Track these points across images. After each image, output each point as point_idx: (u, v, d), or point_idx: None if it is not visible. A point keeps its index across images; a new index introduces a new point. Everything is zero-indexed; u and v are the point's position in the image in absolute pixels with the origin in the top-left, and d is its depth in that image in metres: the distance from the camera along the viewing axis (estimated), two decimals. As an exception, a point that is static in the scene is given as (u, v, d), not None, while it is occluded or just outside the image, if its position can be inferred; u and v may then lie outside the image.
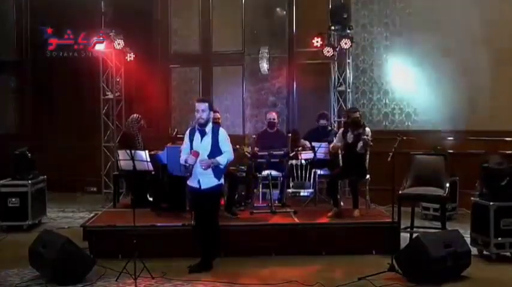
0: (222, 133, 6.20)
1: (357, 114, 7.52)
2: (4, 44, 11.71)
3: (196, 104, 6.15)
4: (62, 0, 10.74)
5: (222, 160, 6.08)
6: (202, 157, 6.01)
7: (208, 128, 6.13)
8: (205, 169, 5.99)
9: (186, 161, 6.06)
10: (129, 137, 8.23)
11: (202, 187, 6.09)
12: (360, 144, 7.12)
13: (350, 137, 7.35)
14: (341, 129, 7.75)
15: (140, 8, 10.84)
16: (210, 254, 6.18)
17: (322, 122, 8.62)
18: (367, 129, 7.33)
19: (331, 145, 7.76)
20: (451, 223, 7.97)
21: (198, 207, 6.28)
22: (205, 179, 6.08)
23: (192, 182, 6.16)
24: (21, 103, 11.79)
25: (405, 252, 5.94)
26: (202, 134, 6.11)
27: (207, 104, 6.13)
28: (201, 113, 6.06)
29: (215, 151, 6.07)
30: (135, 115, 8.42)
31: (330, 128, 8.75)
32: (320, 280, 5.70)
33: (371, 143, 7.16)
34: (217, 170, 6.10)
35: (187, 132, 6.27)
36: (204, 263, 6.10)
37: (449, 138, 9.06)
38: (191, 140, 6.14)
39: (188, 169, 6.06)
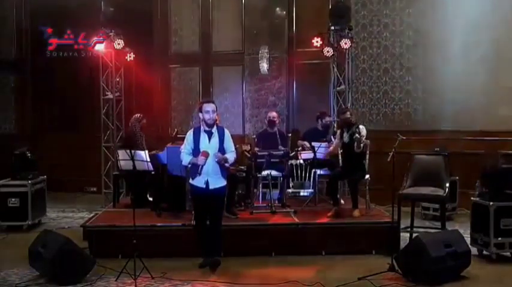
0: (227, 133, 6.27)
1: (347, 115, 7.52)
2: (4, 44, 11.72)
3: (205, 105, 6.14)
4: (62, 0, 10.75)
5: (230, 158, 6.18)
6: (209, 156, 6.02)
7: (214, 129, 6.17)
8: (217, 162, 6.04)
9: (191, 163, 6.08)
10: (130, 137, 8.22)
11: (210, 187, 6.10)
12: (355, 143, 7.12)
13: (346, 137, 7.37)
14: (339, 130, 7.76)
15: (140, 8, 10.86)
16: (215, 252, 6.22)
17: (328, 119, 8.65)
18: (361, 127, 7.31)
19: (329, 150, 7.78)
20: (451, 223, 7.98)
21: (203, 207, 6.27)
22: (213, 179, 6.10)
23: (198, 183, 6.14)
24: (21, 103, 11.79)
25: (405, 252, 5.94)
26: (210, 134, 6.13)
27: (214, 105, 6.18)
28: (211, 114, 6.08)
29: (221, 150, 6.13)
30: (136, 115, 8.39)
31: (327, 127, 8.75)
32: (320, 280, 5.70)
33: (363, 141, 7.12)
34: (223, 170, 6.17)
35: (191, 133, 6.24)
36: (216, 260, 6.17)
37: (449, 138, 9.05)
38: (197, 141, 6.12)
39: (196, 171, 6.04)
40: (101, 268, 6.03)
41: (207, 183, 6.09)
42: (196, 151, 6.11)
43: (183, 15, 11.02)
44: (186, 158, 6.18)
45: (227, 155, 6.14)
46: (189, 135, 6.24)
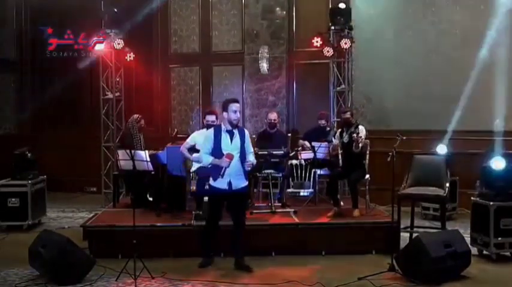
0: (248, 134, 6.24)
1: (348, 114, 7.55)
2: (4, 44, 11.72)
3: (232, 104, 6.02)
4: (62, 0, 10.75)
5: (254, 160, 6.21)
6: (234, 157, 5.99)
7: (235, 129, 6.11)
8: (249, 169, 6.09)
9: (212, 164, 6.03)
10: (127, 137, 8.23)
11: (233, 188, 6.07)
12: (354, 143, 7.12)
13: (345, 137, 7.38)
14: (339, 130, 7.77)
15: (140, 8, 10.85)
16: (242, 253, 6.21)
17: (320, 122, 8.66)
18: (361, 127, 7.32)
19: (331, 146, 7.78)
20: (451, 223, 7.99)
21: (220, 208, 6.25)
22: (236, 180, 6.06)
23: (220, 184, 6.06)
24: (21, 103, 11.79)
25: (405, 252, 5.94)
26: (231, 135, 6.06)
27: (240, 105, 6.16)
28: (238, 114, 6.04)
29: (243, 150, 6.08)
30: (135, 115, 8.41)
31: (328, 128, 8.73)
32: (320, 280, 5.71)
33: (361, 140, 7.10)
34: (245, 171, 6.14)
35: (211, 132, 6.15)
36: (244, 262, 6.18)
37: (448, 138, 9.04)
38: (218, 141, 6.04)
39: (218, 173, 5.99)
40: (101, 268, 6.02)
41: (230, 184, 6.04)
42: (216, 151, 6.02)
43: (183, 15, 11.02)
44: (206, 159, 6.08)
45: (251, 159, 6.13)
46: (210, 134, 6.14)
